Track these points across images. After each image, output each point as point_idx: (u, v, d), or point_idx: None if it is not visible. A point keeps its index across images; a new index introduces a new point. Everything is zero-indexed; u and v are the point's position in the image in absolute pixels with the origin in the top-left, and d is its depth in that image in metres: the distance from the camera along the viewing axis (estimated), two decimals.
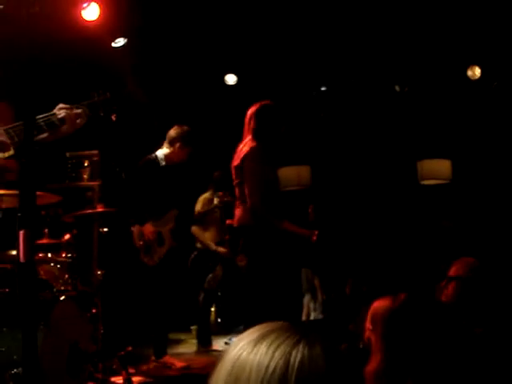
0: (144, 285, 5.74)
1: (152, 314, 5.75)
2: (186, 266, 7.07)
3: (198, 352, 6.84)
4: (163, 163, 5.87)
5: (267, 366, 0.96)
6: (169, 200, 5.89)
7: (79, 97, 3.03)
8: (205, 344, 6.95)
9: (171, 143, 5.91)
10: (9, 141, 2.55)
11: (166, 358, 5.76)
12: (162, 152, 5.92)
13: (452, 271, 3.25)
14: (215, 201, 6.78)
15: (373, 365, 2.30)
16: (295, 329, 1.02)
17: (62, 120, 2.81)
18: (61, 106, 2.85)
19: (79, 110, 2.88)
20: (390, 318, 2.25)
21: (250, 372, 0.96)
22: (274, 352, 0.97)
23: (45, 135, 2.80)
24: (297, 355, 0.96)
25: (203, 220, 7.04)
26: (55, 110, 2.83)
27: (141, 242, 5.64)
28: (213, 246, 6.97)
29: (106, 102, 3.10)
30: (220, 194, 6.83)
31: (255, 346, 0.99)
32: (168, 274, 5.78)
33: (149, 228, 5.70)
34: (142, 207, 5.69)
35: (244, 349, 1.00)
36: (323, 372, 0.96)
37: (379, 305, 2.38)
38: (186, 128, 5.97)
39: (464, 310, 3.07)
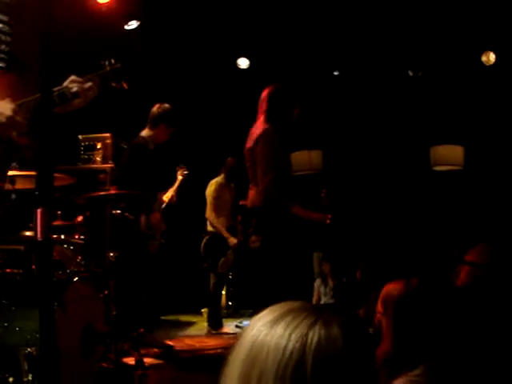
0: (146, 269, 5.70)
1: (147, 295, 5.75)
2: (196, 250, 7.08)
3: (209, 334, 6.87)
4: (151, 146, 5.70)
5: (284, 348, 0.96)
6: (157, 182, 5.83)
7: (91, 66, 3.00)
8: (215, 327, 6.98)
9: (155, 124, 5.73)
10: (25, 118, 2.53)
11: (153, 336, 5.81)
12: (147, 134, 5.74)
13: (469, 256, 3.23)
14: (179, 176, 6.49)
15: (384, 348, 2.30)
16: (312, 309, 1.02)
17: (76, 94, 2.78)
18: (73, 78, 2.81)
19: (91, 83, 2.84)
20: (402, 302, 2.25)
21: (267, 354, 0.97)
22: (290, 334, 0.97)
23: (57, 109, 2.77)
24: (314, 336, 0.96)
25: (216, 205, 7.03)
26: (67, 83, 2.79)
27: (148, 232, 5.57)
28: (225, 234, 6.94)
29: (117, 72, 3.06)
30: (179, 167, 6.59)
31: (272, 327, 1.00)
32: (165, 258, 5.79)
33: (157, 217, 5.64)
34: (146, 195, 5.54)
35: (261, 330, 1.00)
36: (341, 352, 0.96)
37: (391, 288, 2.37)
38: (168, 107, 5.78)
39: (478, 295, 3.06)
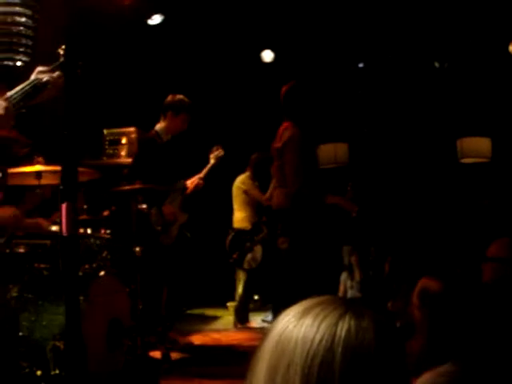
0: (162, 263, 5.55)
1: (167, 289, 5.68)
2: (222, 243, 7.07)
3: (235, 329, 6.87)
4: (164, 138, 5.64)
5: (313, 338, 0.94)
6: (173, 174, 5.72)
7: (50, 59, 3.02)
8: (242, 321, 6.97)
9: (164, 114, 5.68)
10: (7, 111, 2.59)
11: (170, 334, 5.61)
12: (159, 126, 5.70)
13: (491, 251, 3.19)
14: (211, 160, 6.22)
15: (419, 341, 2.27)
16: (341, 301, 1.01)
17: (46, 84, 2.83)
18: (40, 69, 2.86)
19: (59, 72, 2.87)
20: (440, 298, 2.20)
21: (295, 344, 0.95)
22: (319, 324, 0.95)
23: (32, 101, 2.83)
24: (343, 326, 0.94)
25: (245, 199, 7.04)
26: (35, 75, 2.85)
27: (159, 228, 5.41)
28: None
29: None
30: (214, 149, 6.29)
31: (300, 319, 0.98)
32: (184, 251, 5.70)
33: (169, 209, 5.55)
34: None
35: (289, 322, 0.99)
36: (372, 344, 0.94)
37: (430, 283, 2.32)
38: (178, 96, 5.70)
39: (504, 291, 3.02)
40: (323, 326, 0.95)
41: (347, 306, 0.98)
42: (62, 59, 2.92)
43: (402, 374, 0.97)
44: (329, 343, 0.93)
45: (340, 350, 0.92)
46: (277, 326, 1.01)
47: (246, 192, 7.09)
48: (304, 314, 0.99)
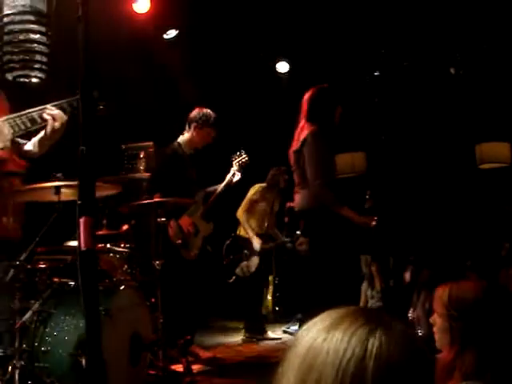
0: (184, 277, 5.49)
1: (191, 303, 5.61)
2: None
3: (257, 340, 6.81)
4: (187, 150, 5.67)
5: (345, 351, 0.93)
6: (193, 185, 5.70)
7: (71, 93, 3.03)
8: (257, 332, 6.89)
9: (188, 126, 5.70)
10: (7, 132, 2.62)
11: (192, 348, 5.57)
12: (183, 138, 5.73)
13: None
14: (234, 166, 6.05)
15: (451, 353, 2.23)
16: (370, 315, 1.00)
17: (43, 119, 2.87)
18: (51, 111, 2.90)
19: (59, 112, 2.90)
20: (483, 307, 2.16)
21: (325, 358, 0.94)
22: (350, 338, 0.95)
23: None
24: (374, 342, 0.94)
25: (251, 208, 7.02)
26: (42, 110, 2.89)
27: (179, 240, 5.38)
28: (251, 234, 6.91)
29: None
30: (237, 155, 6.12)
31: (329, 332, 0.97)
32: (205, 265, 5.66)
33: (187, 220, 5.52)
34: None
35: (318, 335, 0.98)
36: (402, 357, 0.94)
37: (463, 290, 2.25)
38: (204, 110, 5.71)
39: None
40: (354, 341, 0.94)
41: (377, 321, 0.98)
42: (74, 97, 2.95)
43: None
44: (360, 357, 0.92)
45: (372, 363, 0.92)
46: (303, 338, 1.00)
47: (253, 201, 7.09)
48: (332, 327, 0.98)
